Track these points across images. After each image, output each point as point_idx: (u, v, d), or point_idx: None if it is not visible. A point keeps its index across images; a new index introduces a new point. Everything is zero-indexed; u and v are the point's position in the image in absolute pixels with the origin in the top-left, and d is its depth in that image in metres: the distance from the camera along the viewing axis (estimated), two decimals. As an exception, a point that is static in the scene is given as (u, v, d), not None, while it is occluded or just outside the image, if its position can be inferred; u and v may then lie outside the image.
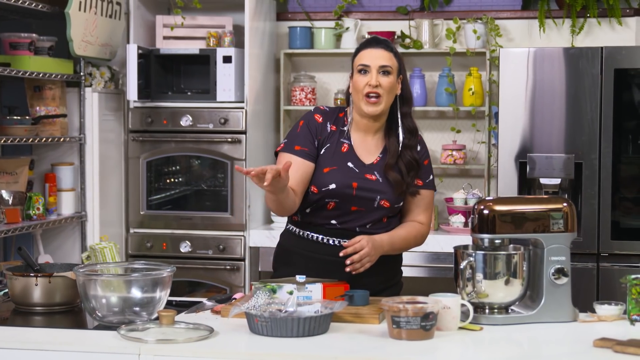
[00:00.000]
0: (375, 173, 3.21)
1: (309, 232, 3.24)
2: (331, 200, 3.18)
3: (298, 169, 3.15)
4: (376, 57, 3.16)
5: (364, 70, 3.16)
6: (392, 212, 3.24)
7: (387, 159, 3.21)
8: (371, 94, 3.15)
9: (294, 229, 3.28)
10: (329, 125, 3.24)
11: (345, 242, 3.15)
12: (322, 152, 3.21)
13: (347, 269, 3.08)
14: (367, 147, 3.24)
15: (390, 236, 3.21)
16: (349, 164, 3.20)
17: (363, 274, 3.13)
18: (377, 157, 3.24)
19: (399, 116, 3.23)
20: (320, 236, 3.23)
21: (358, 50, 3.22)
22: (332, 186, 3.16)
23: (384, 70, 3.16)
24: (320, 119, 3.24)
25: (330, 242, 3.22)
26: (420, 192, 3.27)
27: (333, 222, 3.21)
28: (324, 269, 3.17)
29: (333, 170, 3.18)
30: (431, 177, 3.31)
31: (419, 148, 3.28)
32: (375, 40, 3.22)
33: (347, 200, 3.18)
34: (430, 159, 3.33)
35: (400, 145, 3.22)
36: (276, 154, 3.29)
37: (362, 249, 3.08)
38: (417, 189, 3.26)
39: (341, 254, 3.08)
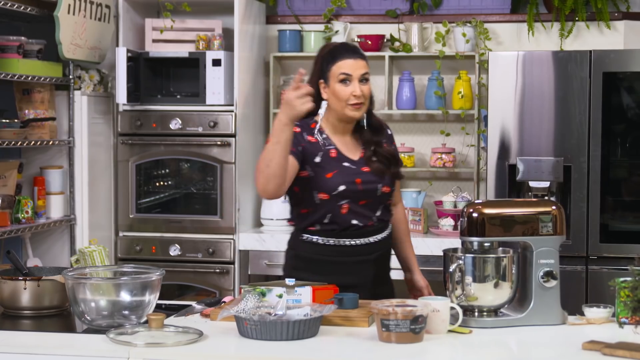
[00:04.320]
0: (368, 166, 3.37)
1: (334, 239, 3.34)
2: (343, 202, 3.30)
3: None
4: (357, 67, 3.31)
5: (347, 80, 3.29)
6: (390, 195, 3.41)
7: (366, 152, 3.39)
8: (356, 103, 3.30)
9: (315, 238, 3.35)
10: (305, 136, 3.35)
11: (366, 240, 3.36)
12: (317, 161, 3.31)
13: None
14: (350, 146, 3.39)
15: (412, 253, 3.57)
16: (345, 164, 3.34)
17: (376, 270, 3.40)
18: (361, 151, 3.39)
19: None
20: (347, 240, 3.34)
21: (334, 58, 3.32)
22: (342, 187, 3.29)
23: (364, 78, 3.32)
24: (298, 130, 3.32)
25: (358, 242, 3.34)
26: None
27: (354, 222, 3.32)
28: (352, 269, 3.32)
29: (335, 173, 3.31)
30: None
31: (389, 132, 3.51)
32: (351, 50, 3.36)
33: (356, 197, 3.32)
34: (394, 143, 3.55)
35: (373, 138, 3.42)
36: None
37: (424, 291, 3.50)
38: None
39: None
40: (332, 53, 3.34)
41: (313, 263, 3.33)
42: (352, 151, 3.38)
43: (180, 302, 3.40)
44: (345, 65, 3.29)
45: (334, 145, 3.35)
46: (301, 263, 3.37)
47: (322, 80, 3.33)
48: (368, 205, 3.34)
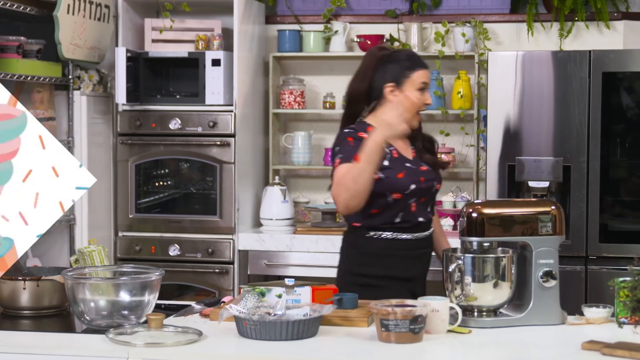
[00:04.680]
0: (423, 164, 3.52)
1: (404, 233, 3.44)
2: (412, 200, 3.43)
3: None
4: (429, 77, 3.54)
5: (424, 88, 3.49)
6: (438, 192, 3.61)
7: (417, 148, 3.56)
8: (420, 110, 3.52)
9: (385, 234, 3.44)
10: None
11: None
12: (386, 164, 3.40)
13: None
14: (403, 147, 3.52)
15: (445, 240, 3.70)
16: (407, 164, 3.46)
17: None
18: (412, 151, 3.55)
19: None
20: (416, 235, 3.46)
21: (414, 66, 3.48)
22: (413, 187, 3.41)
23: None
24: (365, 135, 3.36)
25: (422, 235, 3.49)
26: None
27: (420, 219, 3.47)
28: (414, 262, 3.46)
29: (405, 173, 3.43)
30: None
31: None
32: (422, 59, 3.54)
33: (420, 195, 3.46)
34: None
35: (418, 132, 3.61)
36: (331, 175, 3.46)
37: None
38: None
39: None
40: (411, 65, 3.46)
41: (382, 258, 3.42)
42: (406, 151, 3.51)
43: (179, 302, 3.40)
44: (424, 75, 3.48)
45: (393, 147, 3.45)
46: (369, 259, 3.44)
47: (393, 84, 3.45)
48: (426, 201, 3.50)
